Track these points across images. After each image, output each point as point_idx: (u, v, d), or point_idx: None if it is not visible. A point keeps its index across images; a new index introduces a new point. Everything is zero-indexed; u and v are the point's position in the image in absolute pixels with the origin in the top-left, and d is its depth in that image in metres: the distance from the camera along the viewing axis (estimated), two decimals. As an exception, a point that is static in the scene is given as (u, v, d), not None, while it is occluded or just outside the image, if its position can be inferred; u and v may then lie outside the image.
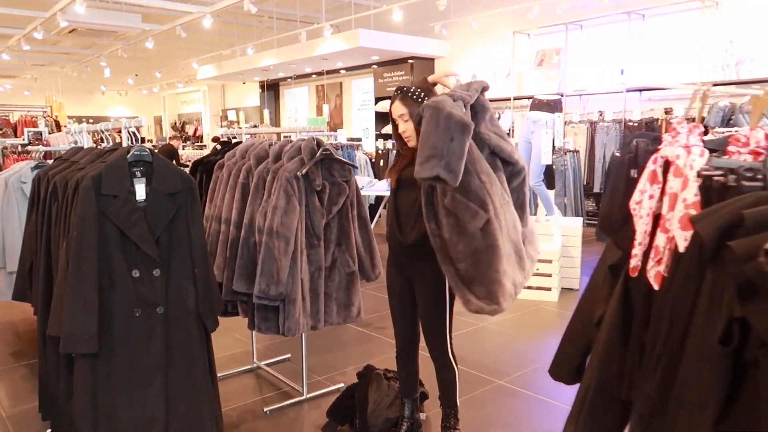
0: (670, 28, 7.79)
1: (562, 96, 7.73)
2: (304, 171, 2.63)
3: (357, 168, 2.99)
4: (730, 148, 1.05)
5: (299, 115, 14.48)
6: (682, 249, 1.01)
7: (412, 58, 10.78)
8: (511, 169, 2.06)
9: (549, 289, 4.73)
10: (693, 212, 0.99)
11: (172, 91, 18.68)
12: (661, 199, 1.11)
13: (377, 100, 11.70)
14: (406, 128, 2.23)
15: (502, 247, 1.92)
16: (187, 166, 11.49)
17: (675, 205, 1.05)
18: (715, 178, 0.94)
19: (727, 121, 7.09)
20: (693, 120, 1.17)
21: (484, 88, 2.07)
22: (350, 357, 3.59)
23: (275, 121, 14.83)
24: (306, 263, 2.71)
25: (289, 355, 3.58)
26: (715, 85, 7.40)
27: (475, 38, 10.05)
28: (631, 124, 7.83)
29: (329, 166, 2.76)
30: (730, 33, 7.24)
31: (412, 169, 2.05)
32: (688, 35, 7.56)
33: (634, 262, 1.14)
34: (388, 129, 11.65)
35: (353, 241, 2.83)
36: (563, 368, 1.50)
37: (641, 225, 1.12)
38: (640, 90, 7.93)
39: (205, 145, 15.35)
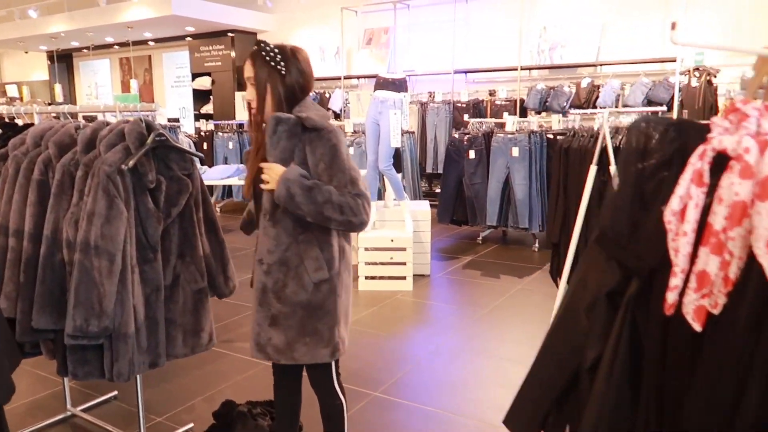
0: (492, 12, 8.06)
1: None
2: (131, 163, 1.98)
3: (202, 157, 2.39)
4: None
5: (101, 91, 12.67)
6: (775, 283, 0.72)
7: (232, 31, 9.91)
8: None
9: (404, 278, 4.52)
10: (792, 231, 0.70)
11: (-74, 60, 15.22)
12: (708, 208, 0.81)
13: (194, 76, 10.63)
14: (251, 95, 1.80)
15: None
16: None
17: (743, 218, 0.75)
18: None
19: (544, 103, 7.56)
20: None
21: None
22: (197, 384, 2.99)
23: (70, 98, 12.81)
24: (139, 284, 2.08)
25: (115, 393, 2.86)
26: (531, 69, 7.82)
27: (302, 13, 9.52)
28: (459, 105, 7.99)
29: (165, 156, 2.14)
30: (544, 20, 7.68)
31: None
32: (508, 20, 7.88)
33: (673, 296, 0.83)
34: (207, 108, 10.65)
35: (200, 249, 2.25)
36: (526, 418, 1.17)
37: (684, 245, 0.81)
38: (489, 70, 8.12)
39: (-23, 127, 12.78)
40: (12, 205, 2.15)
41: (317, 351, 1.83)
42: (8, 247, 2.13)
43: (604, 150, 2.99)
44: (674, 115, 6.35)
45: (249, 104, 1.81)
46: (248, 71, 1.79)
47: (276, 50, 1.76)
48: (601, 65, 7.29)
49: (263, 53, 1.76)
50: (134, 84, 9.98)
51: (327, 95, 9.18)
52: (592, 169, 3.01)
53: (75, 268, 1.94)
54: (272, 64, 1.75)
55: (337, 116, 9.06)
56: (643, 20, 7.06)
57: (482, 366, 3.17)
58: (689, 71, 6.44)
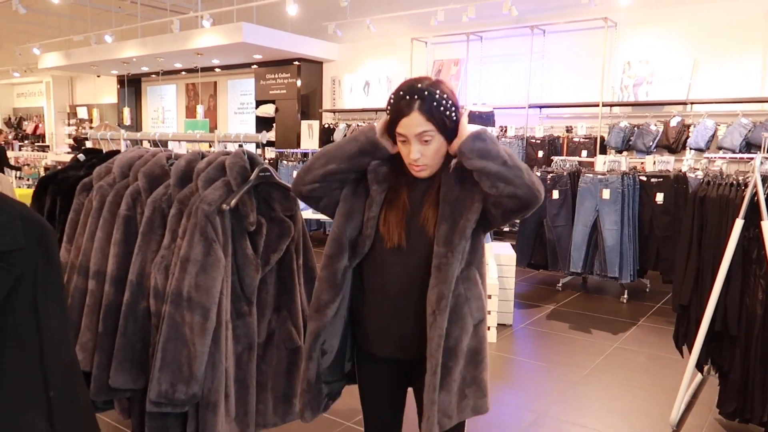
0: (571, 46, 7.71)
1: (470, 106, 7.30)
2: (233, 203, 1.70)
3: None
4: None
5: (167, 116, 12.87)
6: None
7: (299, 59, 9.88)
8: None
9: (488, 328, 4.11)
10: None
11: (5, 81, 15.92)
12: None
13: (258, 103, 10.62)
14: (425, 152, 1.44)
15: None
16: (18, 169, 9.34)
17: None
18: None
19: (627, 142, 7.10)
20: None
21: None
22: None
23: (137, 122, 13.07)
24: (231, 341, 1.78)
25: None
26: (613, 105, 7.38)
27: (370, 42, 9.40)
28: (533, 141, 7.61)
29: (267, 194, 1.86)
30: (628, 55, 7.27)
31: (424, 217, 1.49)
32: (588, 54, 7.50)
33: None
34: (270, 136, 10.60)
35: (298, 303, 1.95)
36: None
37: None
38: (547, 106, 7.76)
39: (47, 146, 13.15)
40: (94, 243, 1.90)
41: (479, 402, 1.54)
42: (87, 290, 1.88)
43: (752, 201, 2.57)
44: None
45: (414, 165, 1.46)
46: (421, 124, 1.40)
47: (446, 96, 1.42)
48: (692, 103, 6.79)
49: (437, 104, 1.40)
50: (200, 109, 10.03)
51: (392, 126, 8.95)
52: (738, 223, 2.58)
53: (164, 322, 1.66)
54: (447, 113, 1.42)
55: (401, 148, 8.82)
56: (740, 56, 6.57)
57: (595, 444, 2.74)
58: (797, 112, 5.90)
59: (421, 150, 1.43)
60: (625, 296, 5.27)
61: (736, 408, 2.70)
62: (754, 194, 2.55)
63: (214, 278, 1.66)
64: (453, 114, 1.43)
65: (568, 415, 3.02)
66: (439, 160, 1.47)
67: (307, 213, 3.91)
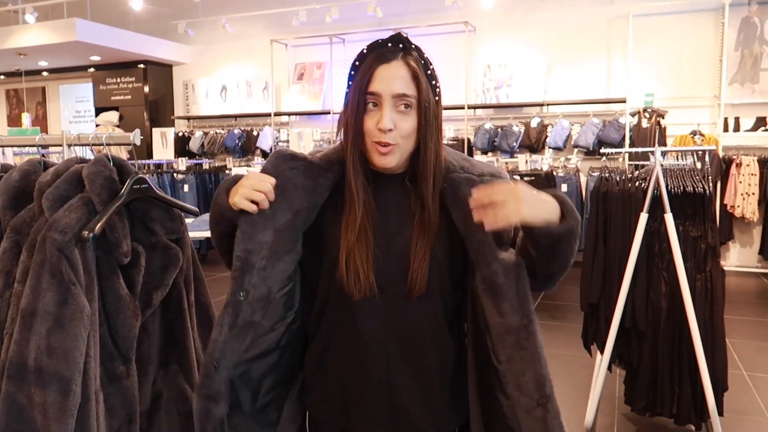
0: (435, 49, 7.75)
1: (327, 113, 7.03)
2: (98, 228, 1.23)
3: (197, 212, 1.61)
4: None
5: (-17, 126, 11.08)
6: None
7: (145, 61, 8.96)
8: None
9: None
10: None
11: None
12: None
13: (98, 110, 9.49)
14: (399, 125, 1.05)
15: None
16: None
17: None
18: None
19: (492, 143, 7.29)
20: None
21: None
22: None
23: (-57, 133, 11.09)
24: (104, 417, 1.31)
25: None
26: (476, 108, 7.55)
27: (226, 44, 8.76)
28: (403, 144, 7.55)
29: (144, 213, 1.40)
30: (488, 59, 7.48)
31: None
32: (452, 58, 7.61)
33: None
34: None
35: (192, 352, 1.51)
36: None
37: None
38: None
39: None
40: None
41: None
42: None
43: (654, 195, 2.57)
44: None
45: (380, 142, 1.05)
46: (403, 81, 1.05)
47: (433, 66, 1.08)
48: (548, 105, 7.14)
49: (424, 62, 1.07)
50: (27, 118, 8.71)
51: (255, 133, 8.44)
52: (643, 218, 2.56)
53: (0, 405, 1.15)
54: (432, 83, 1.08)
55: (266, 156, 8.35)
56: (588, 59, 7.02)
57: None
58: (639, 112, 6.40)
59: (395, 120, 1.05)
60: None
61: (647, 403, 2.69)
62: (656, 187, 2.55)
63: (75, 336, 1.18)
64: (437, 92, 1.09)
65: (485, 430, 2.84)
66: (409, 147, 1.08)
67: (198, 232, 3.27)
